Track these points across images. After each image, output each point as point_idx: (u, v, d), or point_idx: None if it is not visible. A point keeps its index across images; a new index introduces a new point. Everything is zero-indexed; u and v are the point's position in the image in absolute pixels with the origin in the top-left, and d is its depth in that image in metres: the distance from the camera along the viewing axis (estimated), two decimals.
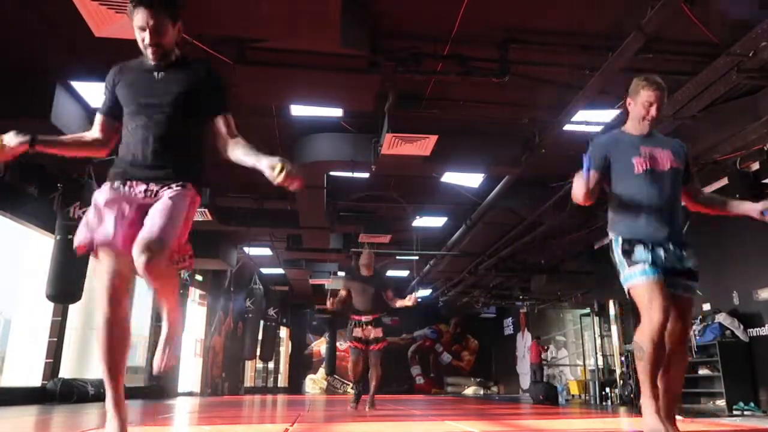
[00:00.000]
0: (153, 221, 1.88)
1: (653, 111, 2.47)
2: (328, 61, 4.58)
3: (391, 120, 5.41)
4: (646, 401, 2.29)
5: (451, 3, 4.12)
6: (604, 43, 4.39)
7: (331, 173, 6.88)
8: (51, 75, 4.91)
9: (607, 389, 10.56)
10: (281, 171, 1.88)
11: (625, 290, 2.41)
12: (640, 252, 2.35)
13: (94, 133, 2.21)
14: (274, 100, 5.38)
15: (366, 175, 6.86)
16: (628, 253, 2.37)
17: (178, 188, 1.99)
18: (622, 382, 9.81)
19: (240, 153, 2.08)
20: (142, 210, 1.95)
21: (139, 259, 1.82)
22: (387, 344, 5.69)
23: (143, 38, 2.10)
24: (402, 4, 4.27)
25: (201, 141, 2.15)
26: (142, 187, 2.00)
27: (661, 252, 2.36)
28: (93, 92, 5.13)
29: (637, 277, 2.32)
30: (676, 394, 2.41)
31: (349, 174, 6.82)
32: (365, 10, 4.27)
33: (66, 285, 5.74)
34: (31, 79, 4.95)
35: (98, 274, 1.97)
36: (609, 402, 10.28)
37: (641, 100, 2.49)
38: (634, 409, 7.36)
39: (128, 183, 2.01)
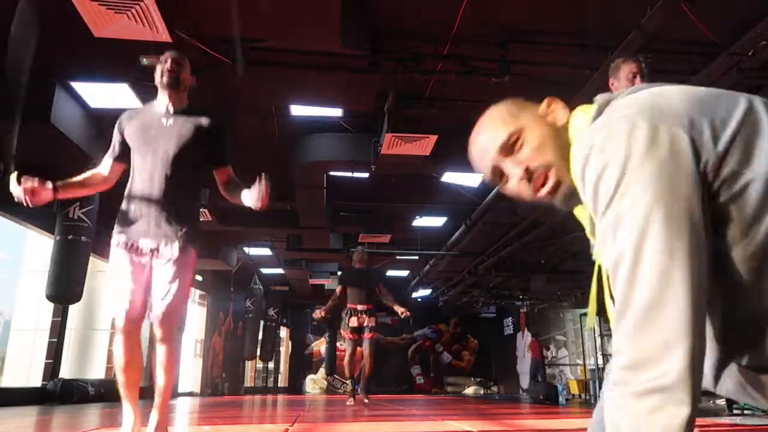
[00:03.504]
0: (162, 292, 2.14)
1: (638, 81, 2.46)
2: (328, 61, 4.58)
3: (391, 120, 5.41)
4: None
5: (451, 3, 4.12)
6: (604, 42, 4.39)
7: (331, 173, 6.88)
8: (51, 75, 4.91)
9: None
10: (262, 191, 2.09)
11: None
12: None
13: (104, 172, 2.37)
14: (274, 100, 5.38)
15: (366, 175, 6.86)
16: None
17: (180, 253, 2.16)
18: None
19: (230, 195, 2.31)
20: (150, 270, 2.18)
21: (156, 331, 2.14)
22: (376, 336, 6.12)
23: (164, 68, 2.26)
24: (402, 4, 4.28)
25: (201, 187, 2.29)
26: (148, 248, 2.17)
27: None
28: (93, 92, 5.13)
29: None
30: None
31: (349, 174, 6.82)
32: (365, 10, 4.27)
33: (66, 285, 5.74)
34: (31, 79, 4.95)
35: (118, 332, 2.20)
36: None
37: (624, 74, 2.50)
38: None
39: (138, 249, 2.19)
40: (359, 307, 6.00)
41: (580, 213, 1.09)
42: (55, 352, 6.97)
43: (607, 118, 0.93)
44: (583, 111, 1.06)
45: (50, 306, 6.88)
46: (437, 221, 9.29)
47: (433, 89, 5.29)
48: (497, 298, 14.68)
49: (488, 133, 1.10)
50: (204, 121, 2.26)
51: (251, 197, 2.12)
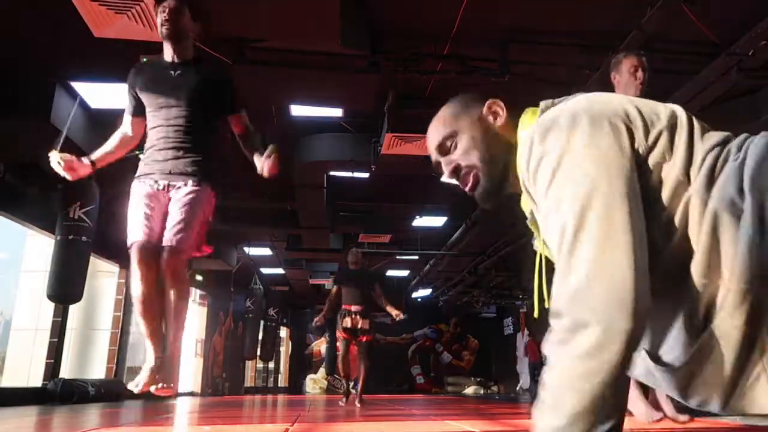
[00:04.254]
0: (172, 221, 2.15)
1: (640, 74, 2.51)
2: (328, 61, 4.58)
3: (391, 120, 5.41)
4: (632, 391, 2.31)
5: (451, 3, 4.12)
6: (604, 42, 4.39)
7: (331, 173, 6.88)
8: (51, 75, 4.91)
9: None
10: (271, 155, 2.15)
11: None
12: None
13: (127, 131, 2.41)
14: (274, 100, 5.38)
15: (366, 175, 6.86)
16: None
17: (195, 187, 2.18)
18: None
19: (247, 150, 2.35)
20: (166, 205, 2.21)
21: (164, 269, 2.12)
22: (373, 339, 6.06)
23: (162, 18, 2.26)
24: (402, 4, 4.28)
25: (219, 138, 2.31)
26: (164, 182, 2.20)
27: None
28: (93, 92, 5.14)
29: None
30: None
31: (349, 174, 6.82)
32: (365, 9, 4.27)
33: (66, 285, 5.74)
34: (32, 79, 4.95)
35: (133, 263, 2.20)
36: None
37: (626, 68, 2.54)
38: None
39: (155, 182, 2.22)
40: (353, 308, 5.99)
41: (525, 205, 1.19)
42: (55, 352, 6.96)
43: (549, 116, 1.02)
44: (533, 112, 1.18)
45: (50, 306, 6.88)
46: (437, 221, 9.30)
47: (433, 89, 5.29)
48: (497, 298, 14.67)
49: (431, 132, 1.26)
50: (210, 71, 2.29)
51: (260, 165, 2.19)
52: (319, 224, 8.42)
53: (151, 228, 2.15)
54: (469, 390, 18.00)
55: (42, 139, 5.24)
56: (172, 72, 2.27)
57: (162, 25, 2.25)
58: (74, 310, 7.16)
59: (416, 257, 11.22)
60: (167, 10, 2.24)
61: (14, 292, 8.17)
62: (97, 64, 4.76)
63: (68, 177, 2.21)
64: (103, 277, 8.10)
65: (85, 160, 2.24)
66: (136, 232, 2.14)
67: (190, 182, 2.19)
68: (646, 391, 2.37)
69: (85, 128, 5.45)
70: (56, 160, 2.19)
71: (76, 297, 5.86)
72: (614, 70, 2.62)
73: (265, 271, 12.72)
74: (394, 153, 5.73)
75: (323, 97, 5.31)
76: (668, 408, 2.32)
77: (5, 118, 4.97)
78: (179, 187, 2.19)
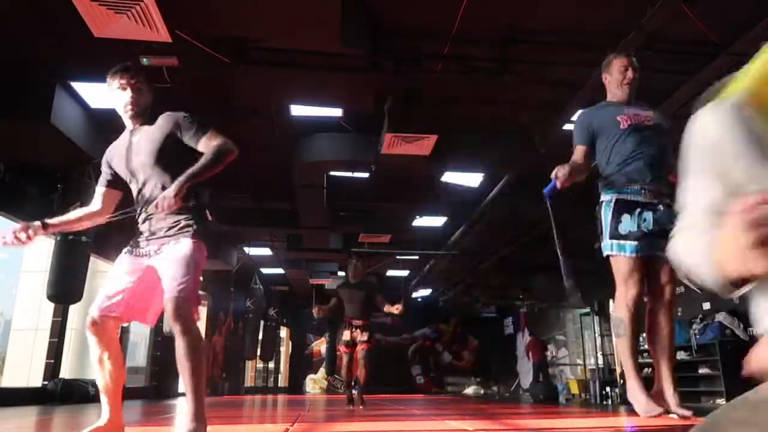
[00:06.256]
0: (169, 285, 2.07)
1: (630, 73, 2.58)
2: (328, 61, 4.58)
3: (391, 120, 5.41)
4: (633, 383, 2.31)
5: (451, 2, 4.12)
6: (603, 42, 4.39)
7: (331, 173, 6.88)
8: (51, 75, 4.91)
9: (608, 388, 10.57)
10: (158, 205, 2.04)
11: (603, 253, 2.47)
12: (627, 222, 2.37)
13: (95, 206, 2.37)
14: (274, 100, 5.38)
15: (366, 175, 6.86)
16: (615, 219, 2.40)
17: (183, 246, 2.14)
18: (622, 381, 9.81)
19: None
20: (148, 270, 2.15)
21: (173, 327, 2.07)
22: (372, 347, 6.09)
23: (123, 99, 2.25)
24: (402, 3, 4.27)
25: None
26: (150, 246, 2.17)
27: (650, 215, 2.37)
28: (93, 92, 5.13)
29: (617, 250, 2.37)
30: (670, 358, 2.42)
31: (349, 174, 6.82)
32: (365, 9, 4.27)
33: (67, 285, 5.74)
34: (31, 79, 4.95)
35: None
36: (609, 401, 10.28)
37: (616, 68, 2.61)
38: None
39: (137, 246, 2.20)
40: (354, 322, 6.02)
41: None
42: (55, 352, 6.96)
43: None
44: None
45: (50, 306, 6.88)
46: (437, 221, 9.29)
47: (433, 89, 5.29)
48: (497, 298, 14.67)
49: None
50: (161, 122, 2.24)
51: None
52: (319, 224, 8.42)
53: (116, 289, 2.19)
54: (469, 390, 17.99)
55: (42, 139, 5.27)
56: (133, 139, 2.27)
57: (126, 109, 2.25)
58: (74, 310, 7.15)
59: (416, 257, 11.22)
60: (131, 94, 2.24)
61: (14, 292, 8.17)
62: (97, 64, 4.74)
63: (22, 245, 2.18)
64: (102, 277, 8.08)
65: (35, 223, 2.20)
66: (100, 293, 2.16)
67: (180, 241, 2.20)
68: (647, 385, 2.37)
69: (85, 128, 5.45)
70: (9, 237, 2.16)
71: (76, 297, 5.86)
72: (605, 71, 2.68)
73: (265, 271, 12.72)
74: (394, 153, 5.72)
75: (323, 97, 5.30)
76: (672, 401, 2.32)
77: (5, 118, 4.97)
78: (166, 247, 2.21)
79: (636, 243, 2.35)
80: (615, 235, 2.39)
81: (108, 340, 2.14)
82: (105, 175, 2.35)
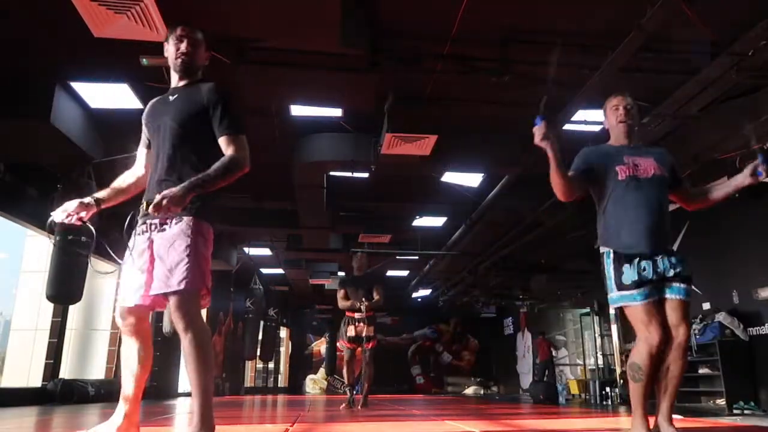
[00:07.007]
0: (171, 273, 1.99)
1: (621, 110, 2.59)
2: (328, 61, 4.58)
3: (391, 120, 5.41)
4: (638, 421, 2.31)
5: (451, 2, 4.12)
6: (604, 42, 4.39)
7: (331, 173, 6.88)
8: (51, 75, 4.91)
9: (607, 389, 10.57)
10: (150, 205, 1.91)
11: (612, 308, 2.45)
12: (628, 272, 2.37)
13: (139, 169, 2.28)
14: (274, 100, 5.38)
15: (366, 175, 6.86)
16: (617, 270, 2.40)
17: (187, 227, 2.02)
18: (622, 381, 9.81)
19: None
20: (152, 251, 2.04)
21: (175, 322, 2.01)
22: (377, 344, 6.00)
23: (178, 47, 2.19)
24: (402, 3, 4.27)
25: (212, 156, 2.07)
26: (151, 220, 2.05)
27: (649, 265, 2.37)
28: (93, 92, 5.13)
29: (628, 300, 2.36)
30: (674, 396, 2.41)
31: (349, 174, 6.82)
32: (365, 9, 4.27)
33: (66, 286, 5.74)
34: (31, 79, 4.95)
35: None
36: (609, 401, 10.28)
37: (610, 108, 2.64)
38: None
39: (141, 227, 2.10)
40: (357, 316, 5.88)
41: None
42: (55, 352, 6.97)
43: None
44: None
45: (50, 306, 6.88)
46: (437, 221, 9.29)
47: (433, 89, 5.28)
48: (497, 298, 14.67)
49: None
50: (203, 91, 2.14)
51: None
52: (319, 224, 8.42)
53: (132, 283, 2.15)
54: (469, 390, 17.99)
55: (42, 139, 5.27)
56: (171, 97, 2.19)
57: (177, 58, 2.19)
58: (74, 310, 7.16)
59: (416, 257, 11.21)
60: (186, 42, 2.19)
61: (14, 292, 8.17)
62: (97, 64, 4.76)
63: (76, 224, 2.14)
64: (102, 277, 8.09)
65: (87, 199, 2.13)
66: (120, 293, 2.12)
67: (183, 220, 2.06)
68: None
69: (85, 128, 5.45)
70: (59, 213, 2.10)
71: (76, 297, 5.85)
72: (604, 113, 2.73)
73: (265, 271, 12.71)
74: (394, 153, 5.72)
75: (323, 97, 5.30)
76: (664, 425, 2.32)
77: (5, 118, 4.97)
78: (168, 225, 2.09)
79: (643, 289, 2.34)
80: (621, 286, 2.38)
81: (142, 331, 2.10)
82: (144, 135, 2.25)
